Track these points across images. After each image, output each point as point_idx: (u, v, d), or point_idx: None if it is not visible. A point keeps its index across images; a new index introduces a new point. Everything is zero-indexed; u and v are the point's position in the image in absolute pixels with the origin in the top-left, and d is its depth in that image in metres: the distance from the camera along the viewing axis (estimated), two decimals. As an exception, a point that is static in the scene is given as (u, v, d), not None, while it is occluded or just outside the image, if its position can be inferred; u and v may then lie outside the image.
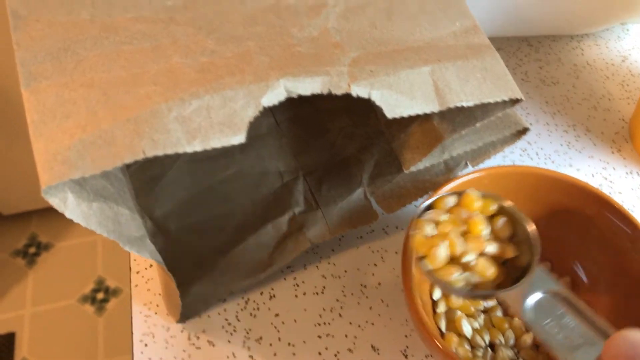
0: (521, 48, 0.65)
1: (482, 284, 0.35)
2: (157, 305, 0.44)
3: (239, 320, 0.44)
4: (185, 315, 0.43)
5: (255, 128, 0.51)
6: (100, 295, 1.30)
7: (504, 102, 0.37)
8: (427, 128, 0.40)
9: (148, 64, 0.33)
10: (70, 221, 1.38)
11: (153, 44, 0.34)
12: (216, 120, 0.30)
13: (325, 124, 0.52)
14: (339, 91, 0.33)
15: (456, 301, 0.42)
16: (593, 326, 0.31)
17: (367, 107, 0.52)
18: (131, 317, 0.43)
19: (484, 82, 0.36)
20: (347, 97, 0.34)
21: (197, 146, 0.30)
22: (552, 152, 0.55)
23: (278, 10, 0.38)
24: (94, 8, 0.36)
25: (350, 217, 0.46)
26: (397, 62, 0.35)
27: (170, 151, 0.29)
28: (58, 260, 1.35)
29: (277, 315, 0.44)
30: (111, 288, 1.31)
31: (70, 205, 0.30)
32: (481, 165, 0.46)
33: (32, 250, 1.36)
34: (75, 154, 0.28)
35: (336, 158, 0.50)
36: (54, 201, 0.29)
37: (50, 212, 1.40)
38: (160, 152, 0.29)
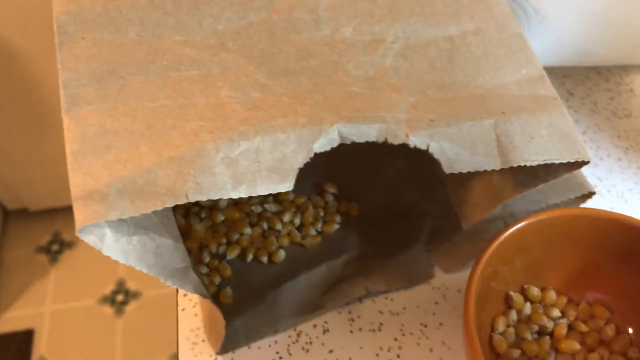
0: (590, 76, 0.61)
1: None
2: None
3: (290, 355, 0.41)
4: (226, 347, 0.41)
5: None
6: (120, 297, 1.29)
7: (570, 164, 0.34)
8: (487, 185, 0.38)
9: (195, 95, 0.31)
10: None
11: (202, 72, 0.32)
12: (265, 165, 0.28)
13: (379, 161, 0.49)
14: (395, 141, 0.31)
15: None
16: None
17: (422, 151, 0.49)
18: (177, 344, 0.41)
19: (549, 140, 0.33)
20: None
21: (242, 192, 0.28)
22: (625, 190, 0.52)
23: (333, 43, 0.35)
24: (142, 27, 0.34)
25: (408, 273, 0.44)
26: (459, 112, 0.33)
27: (214, 196, 0.27)
28: (80, 259, 1.34)
29: (331, 351, 0.42)
30: (131, 290, 1.30)
31: (108, 242, 0.28)
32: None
33: (55, 247, 1.36)
34: (114, 193, 0.26)
35: (396, 205, 0.48)
36: (90, 239, 0.27)
37: (76, 210, 1.40)
38: (204, 197, 0.27)
